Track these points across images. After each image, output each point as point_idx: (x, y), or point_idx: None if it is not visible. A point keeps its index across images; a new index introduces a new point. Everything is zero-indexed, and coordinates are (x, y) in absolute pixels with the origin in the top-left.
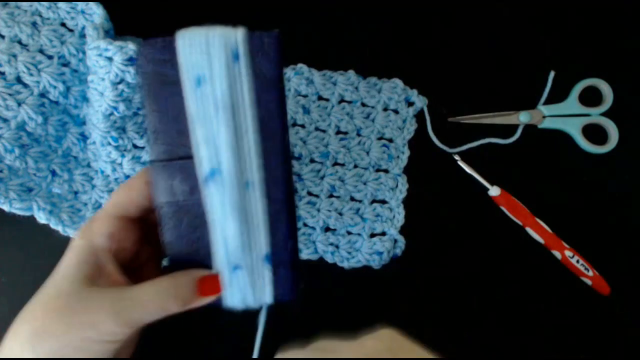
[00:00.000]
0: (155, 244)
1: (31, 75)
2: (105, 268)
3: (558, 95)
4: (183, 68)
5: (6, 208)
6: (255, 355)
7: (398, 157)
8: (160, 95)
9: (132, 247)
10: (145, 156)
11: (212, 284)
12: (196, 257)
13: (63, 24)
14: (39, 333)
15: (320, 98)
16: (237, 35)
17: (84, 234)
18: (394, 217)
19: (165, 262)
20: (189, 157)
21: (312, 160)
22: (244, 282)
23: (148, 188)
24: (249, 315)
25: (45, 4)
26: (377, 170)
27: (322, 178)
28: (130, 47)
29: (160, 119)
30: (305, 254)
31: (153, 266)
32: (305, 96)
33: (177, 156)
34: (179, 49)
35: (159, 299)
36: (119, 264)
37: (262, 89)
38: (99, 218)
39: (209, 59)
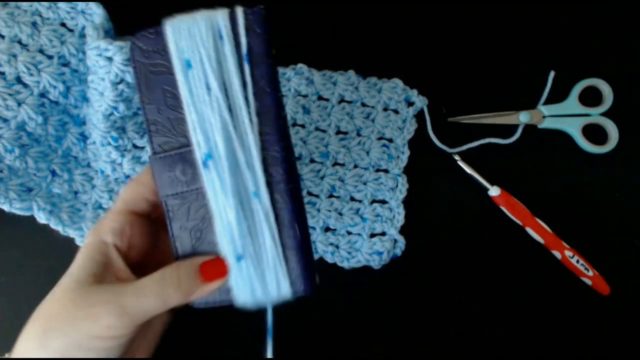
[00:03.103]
0: (168, 246)
1: (31, 75)
2: (113, 265)
3: (558, 95)
4: (172, 54)
5: (6, 208)
6: (269, 355)
7: (398, 157)
8: (155, 86)
9: (143, 245)
10: (145, 156)
11: (216, 267)
12: (203, 249)
13: (63, 24)
14: (46, 331)
15: (320, 98)
16: (219, 15)
17: (94, 231)
18: (394, 217)
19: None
20: (187, 145)
21: (312, 161)
22: (251, 272)
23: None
24: (253, 317)
25: (45, 4)
26: (377, 170)
27: (322, 178)
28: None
29: (156, 109)
30: None
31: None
32: (305, 96)
33: (177, 145)
34: (167, 37)
35: (159, 288)
36: (131, 262)
37: (252, 66)
38: (109, 215)
39: (196, 42)
